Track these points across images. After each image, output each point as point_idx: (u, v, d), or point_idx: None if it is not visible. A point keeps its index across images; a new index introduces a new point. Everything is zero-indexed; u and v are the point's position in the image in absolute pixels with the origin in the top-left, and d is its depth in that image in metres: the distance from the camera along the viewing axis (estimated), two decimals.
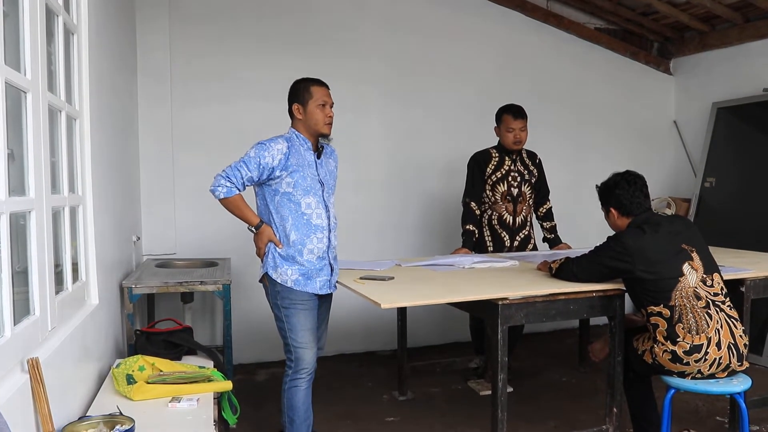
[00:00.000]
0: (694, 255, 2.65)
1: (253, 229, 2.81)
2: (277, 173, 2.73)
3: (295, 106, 2.82)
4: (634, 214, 2.78)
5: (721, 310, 2.60)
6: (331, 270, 2.87)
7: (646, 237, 2.64)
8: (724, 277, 2.74)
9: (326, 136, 2.86)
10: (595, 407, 3.48)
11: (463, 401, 3.85)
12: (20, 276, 1.82)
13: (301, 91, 2.81)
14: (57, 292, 2.08)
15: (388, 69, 4.86)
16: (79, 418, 2.05)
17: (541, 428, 3.40)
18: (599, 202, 2.96)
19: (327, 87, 2.84)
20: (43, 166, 1.88)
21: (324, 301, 2.93)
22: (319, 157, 2.85)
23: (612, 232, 2.86)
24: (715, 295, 2.62)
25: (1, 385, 1.53)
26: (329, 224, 2.85)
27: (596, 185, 2.96)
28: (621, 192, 2.81)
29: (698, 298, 2.57)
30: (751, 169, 5.02)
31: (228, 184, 2.70)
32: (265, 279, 2.84)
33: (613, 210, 2.86)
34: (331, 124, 2.83)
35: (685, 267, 2.61)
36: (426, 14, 4.98)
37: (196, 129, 4.40)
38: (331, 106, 2.83)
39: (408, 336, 3.91)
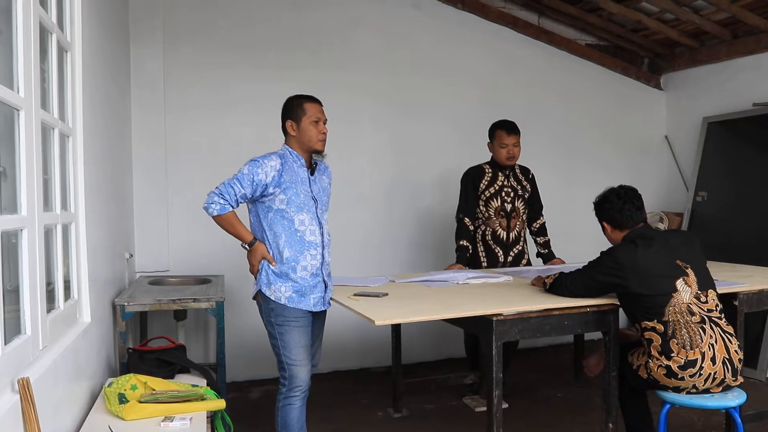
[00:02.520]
0: (689, 271, 2.64)
1: (246, 246, 2.81)
2: (271, 190, 2.73)
3: (288, 123, 2.82)
4: (627, 228, 2.79)
5: (717, 325, 2.60)
6: (325, 287, 2.86)
7: (639, 252, 2.65)
8: (718, 291, 2.75)
9: (320, 153, 2.86)
10: (591, 422, 3.46)
11: (459, 418, 3.82)
12: (11, 294, 1.80)
13: (294, 108, 2.81)
14: (49, 311, 2.06)
15: (382, 83, 4.89)
16: None
17: None
18: (595, 217, 2.97)
19: (320, 103, 2.85)
20: (35, 183, 1.87)
21: (318, 318, 2.91)
22: (312, 173, 2.86)
23: (605, 246, 2.86)
24: (710, 311, 2.62)
25: None
26: (323, 241, 2.84)
27: (594, 201, 2.98)
28: (610, 206, 2.83)
29: (692, 314, 2.57)
30: (742, 182, 5.06)
31: (221, 201, 2.69)
32: (259, 296, 2.82)
33: (605, 224, 2.88)
34: (324, 140, 2.83)
35: (679, 283, 2.61)
36: (420, 29, 5.01)
37: (190, 142, 4.41)
38: (325, 123, 2.83)
39: (402, 352, 3.89)
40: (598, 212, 2.91)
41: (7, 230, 1.70)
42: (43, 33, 2.09)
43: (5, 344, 1.63)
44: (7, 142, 1.78)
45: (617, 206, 2.80)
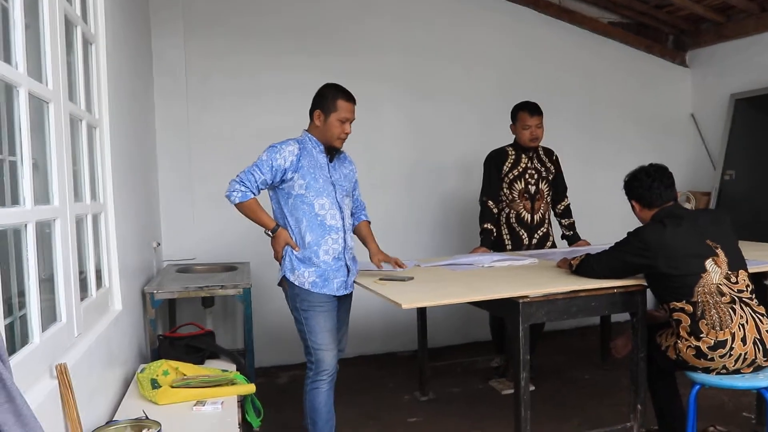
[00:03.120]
0: (719, 251, 2.60)
1: (269, 233, 2.83)
2: (289, 175, 2.74)
3: (316, 113, 2.82)
4: (656, 206, 2.75)
5: (747, 305, 2.56)
6: (348, 271, 2.87)
7: (667, 231, 2.61)
8: (749, 271, 2.70)
9: (336, 149, 2.87)
10: (619, 404, 3.45)
11: (485, 401, 3.84)
12: (46, 283, 1.85)
13: (328, 101, 2.80)
14: (82, 299, 2.11)
15: (402, 67, 4.87)
16: (107, 423, 2.07)
17: (566, 426, 3.39)
18: (618, 198, 2.94)
19: (354, 102, 2.84)
20: (66, 174, 1.90)
21: (343, 302, 2.93)
22: (331, 160, 2.87)
23: (630, 227, 2.83)
24: (740, 291, 2.58)
25: (31, 391, 1.56)
26: (344, 225, 2.85)
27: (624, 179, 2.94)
28: (639, 184, 2.79)
29: (722, 294, 2.54)
30: None
31: (243, 188, 2.72)
32: (284, 282, 2.85)
33: (635, 203, 2.85)
34: (344, 140, 2.85)
35: (708, 263, 2.57)
36: (438, 11, 4.97)
37: (213, 131, 4.44)
38: (351, 122, 2.83)
39: (428, 336, 3.90)
40: (627, 190, 2.88)
41: (41, 220, 1.73)
42: (69, 26, 2.12)
43: (42, 331, 1.68)
44: (38, 135, 1.81)
45: (646, 184, 2.76)
